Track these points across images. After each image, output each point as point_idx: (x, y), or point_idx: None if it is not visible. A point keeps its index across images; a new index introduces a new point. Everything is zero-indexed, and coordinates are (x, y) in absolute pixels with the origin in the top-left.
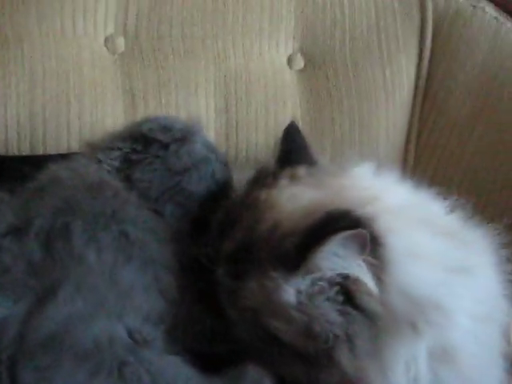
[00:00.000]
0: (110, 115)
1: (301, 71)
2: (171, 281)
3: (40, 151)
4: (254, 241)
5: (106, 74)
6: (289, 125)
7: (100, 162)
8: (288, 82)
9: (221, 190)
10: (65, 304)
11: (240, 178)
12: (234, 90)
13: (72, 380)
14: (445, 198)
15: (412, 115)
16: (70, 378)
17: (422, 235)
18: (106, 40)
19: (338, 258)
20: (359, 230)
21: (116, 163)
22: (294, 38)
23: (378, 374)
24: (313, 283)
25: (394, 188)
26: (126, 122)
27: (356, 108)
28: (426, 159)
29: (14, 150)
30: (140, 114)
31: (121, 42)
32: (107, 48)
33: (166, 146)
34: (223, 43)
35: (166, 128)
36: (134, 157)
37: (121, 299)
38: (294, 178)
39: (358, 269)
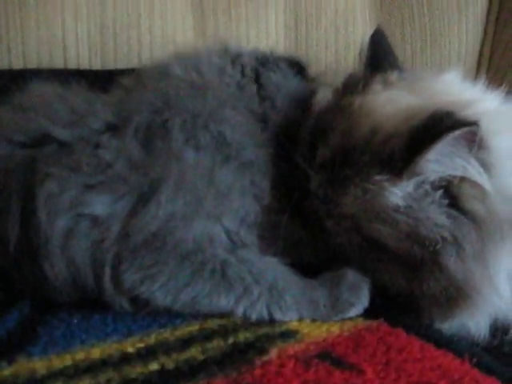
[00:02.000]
0: (179, 29)
1: None
2: (267, 186)
3: (111, 66)
4: (352, 146)
5: None
6: (375, 31)
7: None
8: None
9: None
10: (166, 203)
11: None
12: (304, 5)
13: (175, 279)
14: None
15: (485, 34)
16: (173, 277)
17: None
18: None
19: (446, 159)
20: (469, 127)
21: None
22: None
23: (485, 279)
24: (418, 186)
25: (486, 94)
26: (195, 36)
27: (428, 26)
28: (499, 82)
29: (85, 65)
30: (210, 28)
31: None
32: None
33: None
34: None
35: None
36: (261, 69)
37: (219, 200)
38: (386, 84)
39: (468, 169)
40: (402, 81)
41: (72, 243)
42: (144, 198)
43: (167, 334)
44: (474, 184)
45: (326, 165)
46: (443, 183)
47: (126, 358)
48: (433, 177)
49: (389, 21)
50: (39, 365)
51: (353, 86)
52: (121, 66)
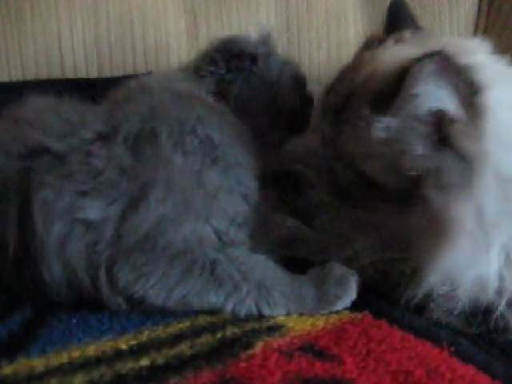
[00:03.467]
0: (172, 35)
1: None
2: (254, 185)
3: (107, 74)
4: (353, 90)
5: None
6: (392, 1)
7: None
8: None
9: (301, 87)
10: (156, 205)
11: None
12: (295, 7)
13: (167, 278)
14: None
15: (476, 28)
16: (165, 276)
17: None
18: None
19: (429, 94)
20: (442, 54)
21: (211, 87)
22: None
23: (471, 212)
24: (403, 121)
25: (492, 56)
26: (188, 41)
27: (419, 21)
28: None
29: (82, 74)
30: (202, 34)
31: None
32: None
33: (254, 60)
34: None
35: (250, 43)
36: (229, 76)
37: (208, 201)
38: (399, 40)
39: (450, 100)
40: (415, 38)
41: (67, 247)
42: (134, 202)
43: (159, 332)
44: (468, 123)
45: (333, 109)
46: (431, 119)
47: (118, 355)
48: (418, 111)
49: (380, 16)
50: (37, 363)
51: (370, 45)
52: (116, 73)
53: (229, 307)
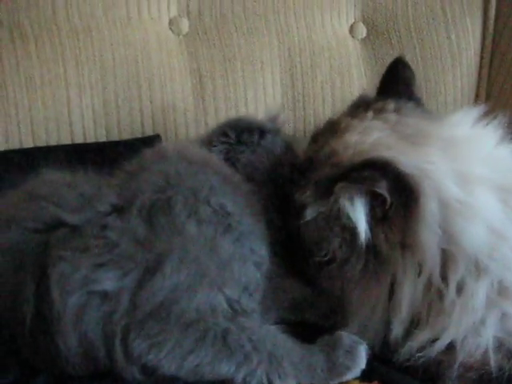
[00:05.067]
0: (179, 96)
1: (364, 40)
2: (265, 253)
3: (116, 137)
4: (314, 161)
5: (172, 55)
6: (396, 58)
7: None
8: (351, 52)
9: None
10: (171, 275)
11: None
12: (299, 64)
13: (180, 346)
14: None
15: (479, 78)
16: (178, 345)
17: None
18: (170, 22)
19: (348, 206)
20: (366, 186)
21: (223, 154)
22: (355, 6)
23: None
24: (330, 211)
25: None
26: (195, 101)
27: (422, 75)
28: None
29: (91, 138)
30: (208, 93)
31: (185, 23)
32: (172, 30)
33: (263, 135)
34: (285, 17)
35: (259, 121)
36: (239, 147)
37: (221, 270)
38: (379, 112)
39: (362, 223)
40: (396, 112)
41: (84, 318)
42: (150, 272)
43: None
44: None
45: (299, 171)
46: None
47: None
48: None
49: (383, 70)
50: None
51: (356, 108)
52: (125, 135)
53: (240, 377)
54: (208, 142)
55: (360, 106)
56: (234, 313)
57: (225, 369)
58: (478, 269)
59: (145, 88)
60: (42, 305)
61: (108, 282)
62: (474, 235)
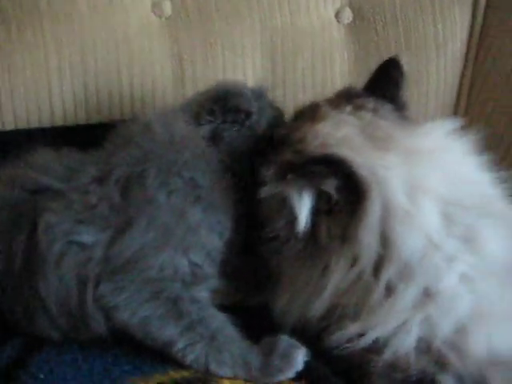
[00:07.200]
0: (159, 80)
1: (349, 25)
2: (230, 226)
3: (95, 120)
4: (285, 142)
5: (153, 39)
6: (390, 58)
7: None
8: (335, 37)
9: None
10: (139, 235)
11: None
12: (281, 50)
13: (138, 295)
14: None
15: (464, 68)
16: (136, 294)
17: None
18: (153, 5)
19: (294, 197)
20: (314, 182)
21: (208, 132)
22: None
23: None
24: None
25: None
26: (174, 85)
27: (406, 63)
28: (477, 115)
29: (71, 120)
30: (188, 77)
31: (167, 6)
32: (154, 13)
33: (249, 116)
34: (268, 2)
35: (248, 99)
36: (224, 125)
37: (188, 235)
38: (357, 108)
39: (303, 215)
40: (370, 113)
41: (63, 263)
42: (121, 231)
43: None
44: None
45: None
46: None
47: None
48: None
49: (367, 59)
50: None
51: (340, 99)
52: (104, 119)
53: (181, 344)
54: (195, 115)
55: (343, 97)
56: (194, 277)
57: (171, 330)
58: (409, 273)
59: (125, 72)
60: (30, 251)
61: (86, 235)
62: (410, 242)
